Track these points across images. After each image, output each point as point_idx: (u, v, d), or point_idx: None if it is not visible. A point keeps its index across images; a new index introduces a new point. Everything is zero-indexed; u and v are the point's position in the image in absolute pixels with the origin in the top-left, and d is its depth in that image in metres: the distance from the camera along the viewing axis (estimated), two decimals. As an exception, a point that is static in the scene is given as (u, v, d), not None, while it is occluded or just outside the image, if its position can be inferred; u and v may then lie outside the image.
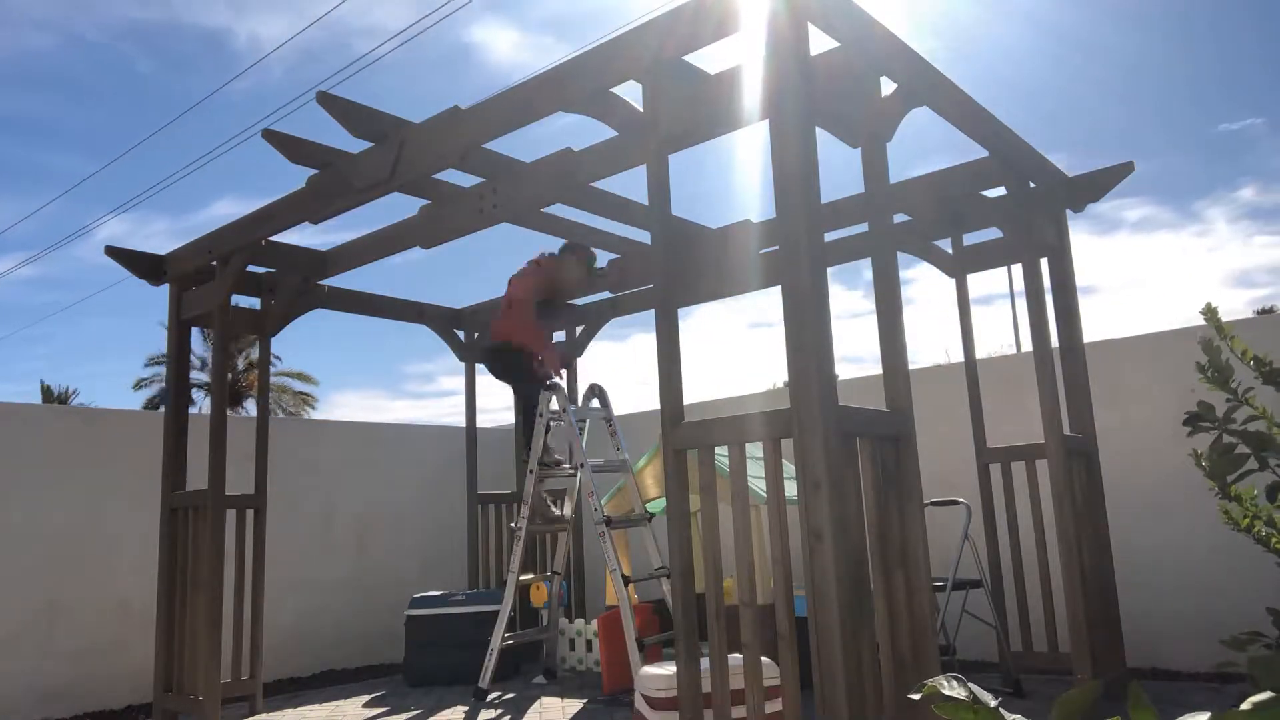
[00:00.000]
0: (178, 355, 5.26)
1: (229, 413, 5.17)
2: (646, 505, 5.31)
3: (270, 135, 4.28)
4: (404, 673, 5.81)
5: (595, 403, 5.52)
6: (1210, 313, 1.48)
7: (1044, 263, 4.33)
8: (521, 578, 5.40)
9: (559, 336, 6.73)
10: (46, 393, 37.50)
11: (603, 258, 5.79)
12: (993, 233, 4.90)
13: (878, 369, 3.04)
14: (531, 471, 5.26)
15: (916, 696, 0.92)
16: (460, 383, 6.99)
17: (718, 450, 2.93)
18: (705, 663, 2.89)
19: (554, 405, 5.27)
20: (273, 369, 6.02)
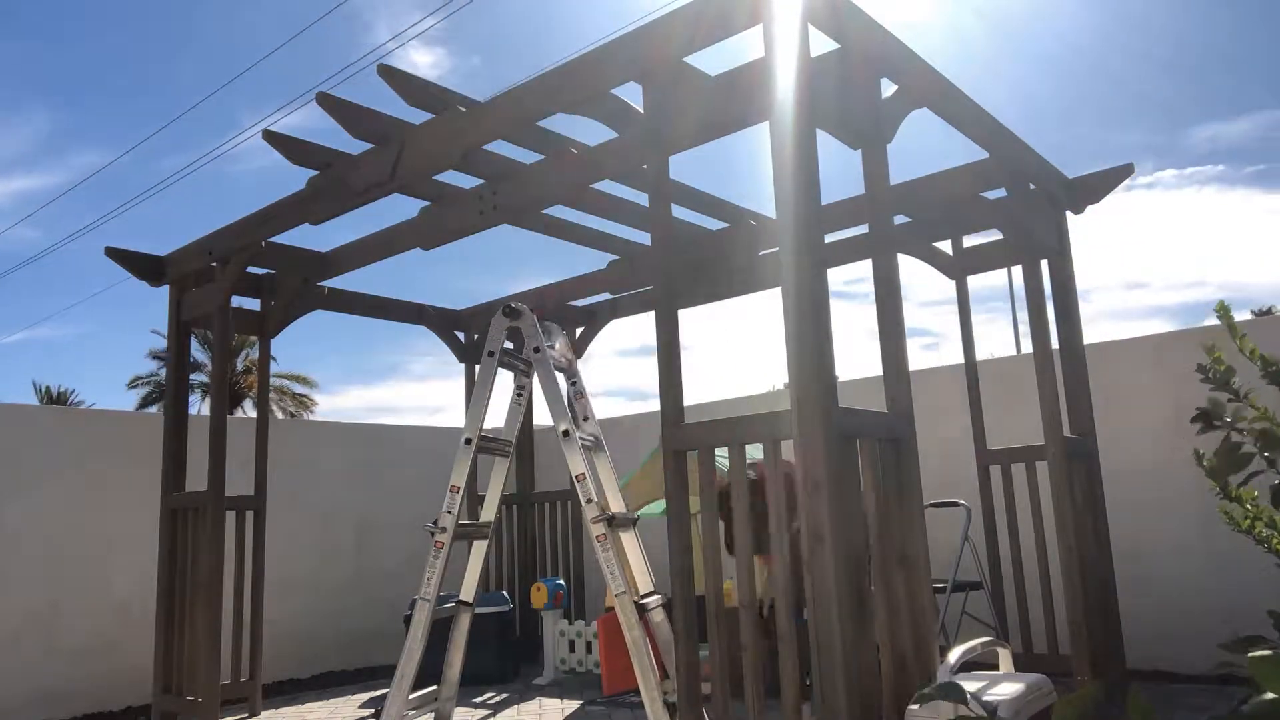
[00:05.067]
0: (177, 356, 5.25)
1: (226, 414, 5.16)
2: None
3: (270, 136, 4.28)
4: (403, 674, 5.79)
5: (557, 347, 4.00)
6: (1223, 310, 1.47)
7: (1044, 264, 4.32)
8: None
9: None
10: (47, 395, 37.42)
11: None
12: (993, 234, 4.90)
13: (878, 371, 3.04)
14: (469, 441, 3.76)
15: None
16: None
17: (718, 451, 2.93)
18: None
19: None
20: (271, 370, 6.02)
